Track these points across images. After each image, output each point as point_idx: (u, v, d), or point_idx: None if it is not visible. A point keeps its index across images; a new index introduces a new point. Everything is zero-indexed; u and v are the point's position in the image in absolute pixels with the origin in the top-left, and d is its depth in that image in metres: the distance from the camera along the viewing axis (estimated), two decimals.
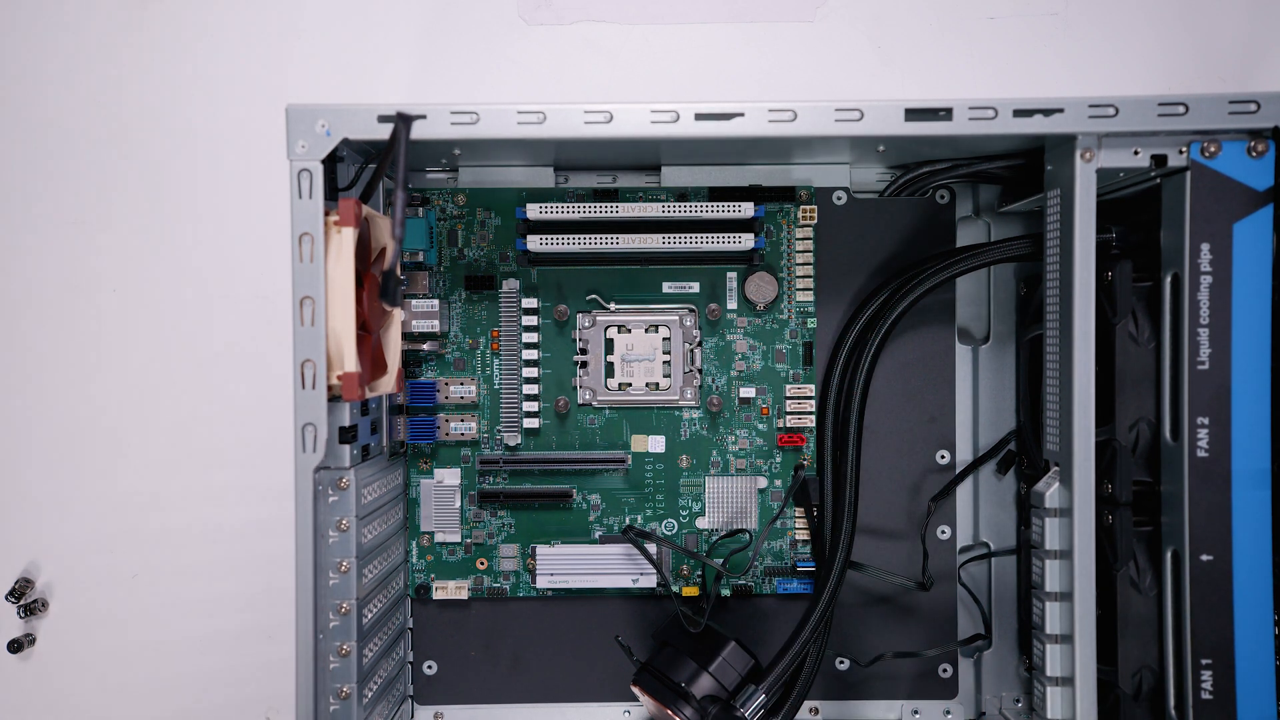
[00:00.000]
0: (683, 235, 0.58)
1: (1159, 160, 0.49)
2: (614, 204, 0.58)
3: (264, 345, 0.66)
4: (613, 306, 0.61)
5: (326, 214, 0.48)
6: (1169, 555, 0.50)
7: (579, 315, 0.61)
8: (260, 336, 0.66)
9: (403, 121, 0.47)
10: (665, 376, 0.61)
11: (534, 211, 0.58)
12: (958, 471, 0.62)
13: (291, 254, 0.48)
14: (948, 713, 0.62)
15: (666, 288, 0.61)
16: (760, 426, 0.62)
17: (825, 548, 0.58)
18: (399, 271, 0.50)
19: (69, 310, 0.66)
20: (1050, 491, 0.50)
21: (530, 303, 0.61)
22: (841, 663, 0.62)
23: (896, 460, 0.62)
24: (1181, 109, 0.48)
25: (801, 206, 0.61)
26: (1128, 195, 0.54)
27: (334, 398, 0.50)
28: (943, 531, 0.62)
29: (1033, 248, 0.55)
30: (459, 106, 0.48)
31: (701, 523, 0.62)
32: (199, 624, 0.66)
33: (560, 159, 0.60)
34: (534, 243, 0.58)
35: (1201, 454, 0.49)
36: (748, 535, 0.62)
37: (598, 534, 0.62)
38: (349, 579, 0.51)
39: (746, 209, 0.58)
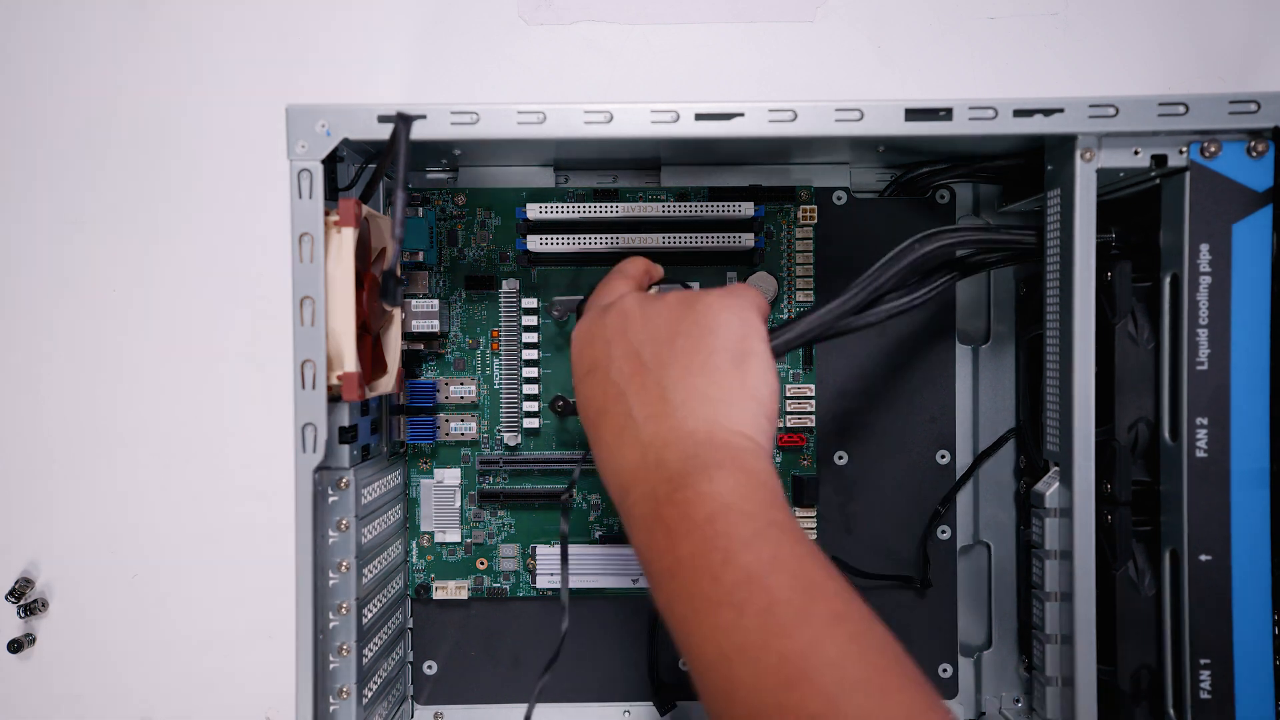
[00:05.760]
0: (683, 235, 0.58)
1: (1159, 160, 0.49)
2: (614, 204, 0.58)
3: (264, 345, 0.66)
4: None
5: (326, 214, 0.48)
6: (1168, 555, 0.50)
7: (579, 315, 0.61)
8: (260, 336, 0.66)
9: (403, 121, 0.47)
10: None
11: (534, 211, 0.58)
12: (960, 474, 0.62)
13: (291, 254, 0.48)
14: None
15: None
16: None
17: None
18: (399, 271, 0.50)
19: (69, 310, 0.66)
20: (1050, 491, 0.50)
21: (530, 303, 0.61)
22: None
23: (896, 460, 0.62)
24: (1181, 109, 0.48)
25: (801, 206, 0.61)
26: (1127, 195, 0.54)
27: (334, 398, 0.50)
28: (943, 531, 0.62)
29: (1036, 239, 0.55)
30: (459, 106, 0.48)
31: None
32: (199, 624, 0.66)
33: (560, 159, 0.60)
34: (534, 243, 0.58)
35: (1200, 454, 0.49)
36: None
37: (598, 534, 0.62)
38: (349, 579, 0.51)
39: (746, 209, 0.58)
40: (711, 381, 0.43)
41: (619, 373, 0.45)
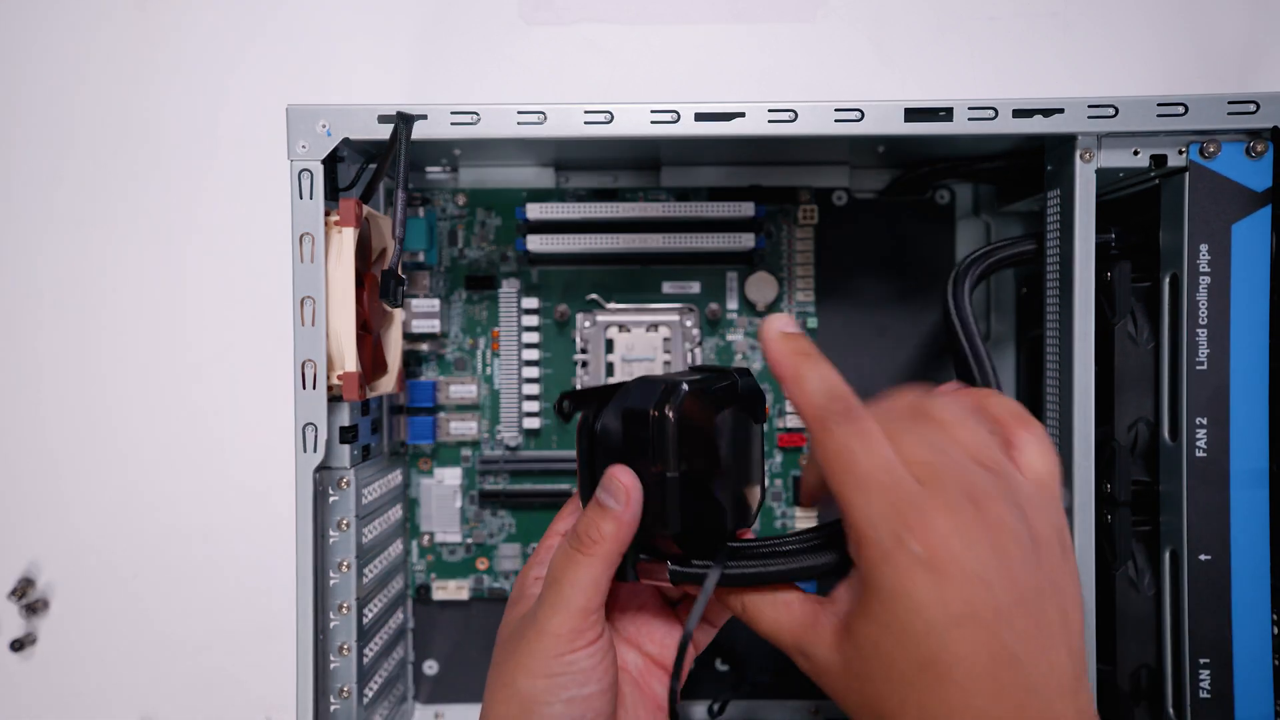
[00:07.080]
0: (683, 235, 0.58)
1: (1158, 161, 0.49)
2: (614, 204, 0.58)
3: (264, 345, 0.66)
4: (613, 306, 0.61)
5: (327, 214, 0.48)
6: (1167, 555, 0.50)
7: (579, 315, 0.61)
8: (261, 336, 0.66)
9: (403, 121, 0.47)
10: None
11: (534, 211, 0.58)
12: None
13: (292, 254, 0.48)
14: None
15: (666, 288, 0.62)
16: None
17: None
18: (399, 271, 0.50)
19: (69, 310, 0.66)
20: None
21: (530, 303, 0.61)
22: None
23: None
24: (1181, 109, 0.48)
25: (801, 206, 0.61)
26: (1127, 195, 0.54)
27: (334, 398, 0.50)
28: None
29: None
30: (459, 106, 0.48)
31: None
32: (199, 624, 0.66)
33: (561, 159, 0.61)
34: (534, 243, 0.58)
35: (1200, 454, 0.49)
36: None
37: None
38: (349, 579, 0.51)
39: (746, 209, 0.58)
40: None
41: (1018, 632, 0.33)
